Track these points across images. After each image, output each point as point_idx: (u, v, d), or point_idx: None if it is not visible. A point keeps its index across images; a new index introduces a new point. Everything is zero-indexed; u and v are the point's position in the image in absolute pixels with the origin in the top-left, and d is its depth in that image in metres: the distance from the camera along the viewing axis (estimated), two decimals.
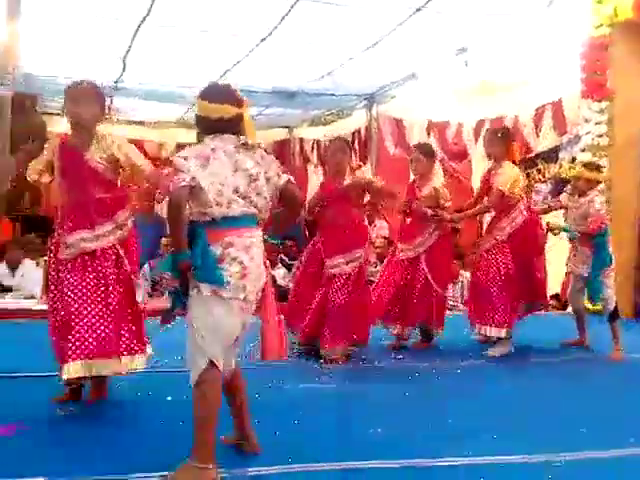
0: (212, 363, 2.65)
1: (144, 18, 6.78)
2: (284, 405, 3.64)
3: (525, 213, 5.15)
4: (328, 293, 4.82)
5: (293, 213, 3.02)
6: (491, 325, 5.05)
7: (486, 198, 5.19)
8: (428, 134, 9.85)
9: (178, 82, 9.05)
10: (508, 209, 5.09)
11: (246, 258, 2.70)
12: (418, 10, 6.71)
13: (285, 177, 2.89)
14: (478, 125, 9.02)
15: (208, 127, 2.82)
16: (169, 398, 3.63)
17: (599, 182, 5.33)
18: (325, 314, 4.81)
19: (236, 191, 2.73)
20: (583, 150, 6.80)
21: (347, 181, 4.88)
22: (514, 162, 5.15)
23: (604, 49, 6.44)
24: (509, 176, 5.04)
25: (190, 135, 12.03)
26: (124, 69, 8.48)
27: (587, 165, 5.40)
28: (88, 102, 3.54)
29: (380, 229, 9.47)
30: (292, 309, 4.98)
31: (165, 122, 11.91)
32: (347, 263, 4.79)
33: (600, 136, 6.55)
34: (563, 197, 5.46)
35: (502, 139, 5.11)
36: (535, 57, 7.62)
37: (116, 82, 9.03)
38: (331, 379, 4.28)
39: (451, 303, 7.89)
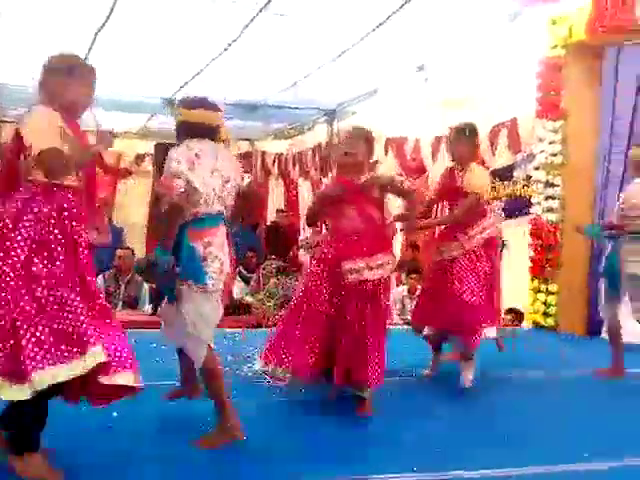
0: (209, 346, 3.17)
1: (102, 26, 6.69)
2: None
3: (497, 225, 4.79)
4: (350, 313, 3.75)
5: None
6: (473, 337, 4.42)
7: (459, 204, 4.56)
8: (386, 150, 9.92)
9: (138, 92, 8.96)
10: (477, 217, 4.58)
11: (222, 255, 3.13)
12: (379, 26, 6.76)
13: (247, 179, 3.34)
14: (436, 141, 9.11)
15: (189, 132, 3.16)
16: None
17: None
18: (355, 341, 3.73)
19: (213, 191, 3.09)
20: (537, 168, 6.91)
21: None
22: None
23: (558, 69, 6.57)
24: (482, 179, 4.67)
25: (149, 145, 11.95)
26: None
27: None
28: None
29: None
30: (282, 340, 3.89)
31: (125, 132, 11.79)
32: (370, 269, 3.75)
33: (554, 155, 6.66)
34: None
35: (470, 138, 4.67)
36: (493, 75, 7.74)
37: None
38: None
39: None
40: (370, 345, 3.69)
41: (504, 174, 8.07)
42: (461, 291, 4.43)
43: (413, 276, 7.65)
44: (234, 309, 7.33)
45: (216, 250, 3.10)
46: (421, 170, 9.53)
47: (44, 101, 2.75)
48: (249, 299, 7.93)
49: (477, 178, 4.56)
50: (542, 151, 6.69)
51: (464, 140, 4.65)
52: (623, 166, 6.09)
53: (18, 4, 6.35)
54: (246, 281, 8.49)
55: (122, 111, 9.92)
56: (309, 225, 4.89)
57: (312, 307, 3.80)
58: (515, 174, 7.77)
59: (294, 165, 12.18)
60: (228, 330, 6.45)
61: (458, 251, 4.54)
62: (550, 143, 6.65)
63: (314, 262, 3.97)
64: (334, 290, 3.79)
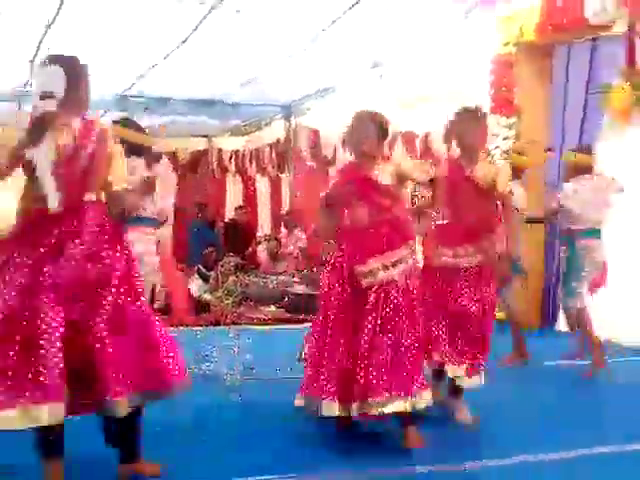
0: None
1: (53, 19, 6.55)
2: None
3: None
4: (370, 322, 3.21)
5: None
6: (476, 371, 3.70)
7: (502, 209, 3.84)
8: (343, 147, 9.94)
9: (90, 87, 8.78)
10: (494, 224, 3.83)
11: None
12: (334, 22, 6.77)
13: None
14: (391, 138, 9.16)
15: None
16: None
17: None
18: (377, 354, 3.17)
19: None
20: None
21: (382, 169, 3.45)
22: None
23: (510, 67, 6.67)
24: (506, 174, 3.91)
25: None
26: (31, 73, 8.16)
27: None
28: None
29: (298, 240, 9.50)
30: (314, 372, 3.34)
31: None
32: (385, 268, 3.27)
33: (507, 152, 6.76)
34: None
35: (483, 121, 4.02)
36: (447, 73, 7.82)
37: (24, 86, 8.68)
38: None
39: None
40: (397, 357, 3.14)
41: None
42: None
43: None
44: (196, 309, 7.28)
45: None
46: None
47: None
48: (207, 297, 7.86)
49: (504, 174, 3.84)
50: (496, 147, 6.79)
51: (476, 124, 3.97)
52: None
53: None
54: (205, 279, 8.42)
55: None
56: (325, 240, 4.21)
57: (335, 327, 3.27)
58: None
59: (251, 162, 12.13)
60: (187, 328, 6.41)
61: (476, 258, 3.72)
62: (504, 139, 6.76)
63: (327, 273, 3.45)
64: (353, 301, 3.26)
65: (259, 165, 11.94)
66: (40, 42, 7.11)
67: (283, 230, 10.78)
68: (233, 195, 12.78)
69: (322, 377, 3.21)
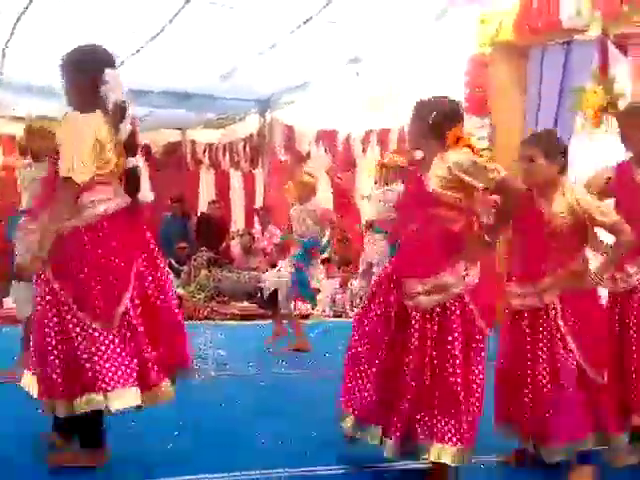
0: None
1: (26, 7, 6.44)
2: None
3: None
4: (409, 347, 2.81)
5: None
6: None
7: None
8: (317, 142, 9.97)
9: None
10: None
11: None
12: (310, 19, 6.77)
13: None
14: (366, 136, 9.21)
15: None
16: None
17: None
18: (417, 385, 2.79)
19: None
20: None
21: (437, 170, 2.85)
22: None
23: (486, 67, 6.72)
24: None
25: None
26: (4, 60, 8.02)
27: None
28: None
29: (272, 236, 9.48)
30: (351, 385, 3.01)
31: (50, 119, 11.37)
32: (428, 293, 2.80)
33: (482, 150, 6.82)
34: None
35: None
36: (423, 71, 7.87)
37: None
38: None
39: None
40: (439, 392, 2.75)
41: None
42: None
43: (343, 269, 7.73)
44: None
45: None
46: (352, 164, 9.62)
47: None
48: (180, 291, 7.81)
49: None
50: None
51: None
52: None
53: None
54: (177, 273, 8.37)
55: (43, 96, 9.58)
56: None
57: (369, 340, 2.95)
58: None
59: (225, 155, 12.06)
60: None
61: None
62: (478, 139, 6.81)
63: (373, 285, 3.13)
64: (388, 316, 2.91)
65: (233, 159, 11.88)
66: (13, 29, 6.99)
67: (257, 225, 10.76)
68: (206, 189, 12.71)
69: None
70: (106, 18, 6.79)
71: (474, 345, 2.79)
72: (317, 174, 7.60)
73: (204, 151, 12.42)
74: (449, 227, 2.83)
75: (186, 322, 6.88)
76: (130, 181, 2.93)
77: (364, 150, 9.34)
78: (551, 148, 3.00)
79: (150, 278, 2.87)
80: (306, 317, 7.32)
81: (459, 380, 2.73)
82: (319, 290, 8.41)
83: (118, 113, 2.83)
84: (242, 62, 8.16)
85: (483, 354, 2.82)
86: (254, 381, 4.45)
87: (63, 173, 2.70)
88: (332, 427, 3.38)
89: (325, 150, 9.92)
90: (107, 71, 2.86)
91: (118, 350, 2.73)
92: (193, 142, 12.53)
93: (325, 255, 6.16)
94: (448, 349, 2.75)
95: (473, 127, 6.79)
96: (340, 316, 7.90)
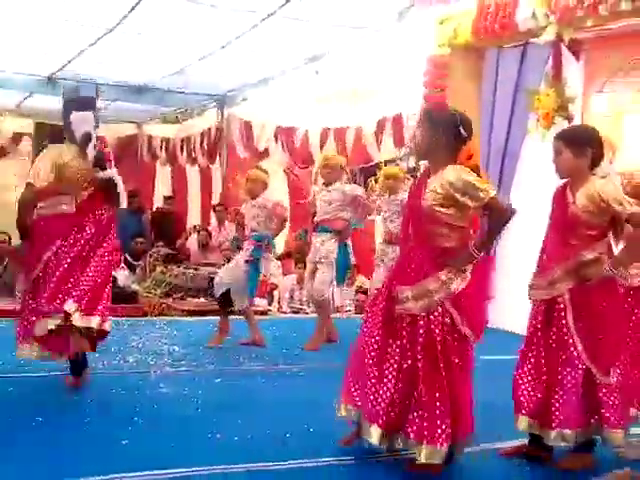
0: None
1: None
2: None
3: None
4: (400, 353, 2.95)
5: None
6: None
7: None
8: (276, 139, 9.95)
9: (14, 68, 8.47)
10: None
11: None
12: (270, 15, 6.75)
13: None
14: (323, 133, 9.23)
15: None
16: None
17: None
18: (403, 386, 2.94)
19: None
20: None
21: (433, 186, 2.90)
22: None
23: (444, 68, 6.80)
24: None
25: (27, 124, 11.33)
26: None
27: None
28: None
29: (229, 232, 9.43)
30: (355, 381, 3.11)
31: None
32: (415, 299, 2.92)
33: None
34: None
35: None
36: (381, 70, 7.93)
37: None
38: None
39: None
40: (424, 393, 2.84)
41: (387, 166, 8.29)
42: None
43: (300, 266, 7.74)
44: (121, 298, 7.12)
45: None
46: (309, 161, 9.62)
47: None
48: (135, 287, 7.72)
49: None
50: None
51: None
52: (500, 163, 6.43)
53: None
54: (132, 269, 8.26)
55: None
56: None
57: (363, 340, 3.08)
58: (400, 166, 7.97)
59: (182, 150, 11.94)
60: (114, 319, 6.26)
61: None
62: None
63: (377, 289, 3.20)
64: (385, 320, 3.01)
65: (190, 154, 11.78)
66: None
67: (213, 221, 10.68)
68: (162, 184, 12.58)
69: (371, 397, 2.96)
70: (64, 10, 6.67)
71: (456, 349, 2.88)
72: (274, 170, 7.59)
73: (161, 146, 12.29)
74: (438, 243, 2.92)
75: (141, 318, 6.90)
76: (107, 189, 3.95)
77: (321, 147, 9.35)
78: (577, 142, 3.08)
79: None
80: (264, 314, 7.31)
81: (436, 381, 2.83)
82: (276, 286, 8.43)
83: (83, 143, 3.88)
84: (201, 56, 8.09)
85: (468, 360, 2.92)
86: (210, 377, 4.42)
87: (28, 179, 3.86)
88: (286, 423, 3.42)
89: (283, 147, 9.90)
90: (73, 114, 3.93)
91: None
92: (149, 136, 12.38)
93: (275, 251, 6.10)
94: (429, 352, 2.85)
95: None
96: (297, 313, 7.92)
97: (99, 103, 9.90)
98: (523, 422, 3.10)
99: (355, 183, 6.54)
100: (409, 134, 7.88)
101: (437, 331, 2.87)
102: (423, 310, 2.89)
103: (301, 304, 7.98)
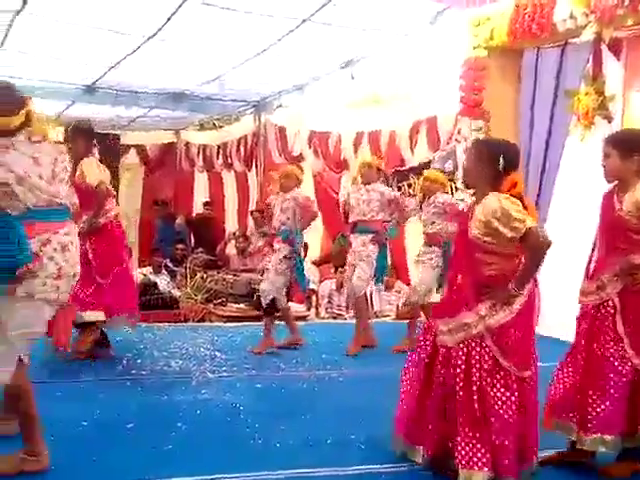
0: (21, 361, 2.76)
1: (21, 8, 6.42)
2: None
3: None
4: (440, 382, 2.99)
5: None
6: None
7: None
8: (309, 143, 9.98)
9: (57, 78, 8.66)
10: None
11: (60, 257, 2.77)
12: (305, 21, 6.78)
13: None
14: (357, 137, 9.23)
15: None
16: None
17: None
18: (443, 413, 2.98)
19: (35, 185, 2.77)
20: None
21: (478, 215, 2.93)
22: None
23: (480, 70, 6.75)
24: None
25: None
26: None
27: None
28: None
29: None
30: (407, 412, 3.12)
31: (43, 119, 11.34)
32: (451, 332, 2.97)
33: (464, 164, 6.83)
34: None
35: None
36: (416, 73, 7.90)
37: None
38: None
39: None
40: (461, 422, 2.86)
41: (420, 170, 8.25)
42: None
43: (342, 270, 7.72)
44: (160, 303, 7.24)
45: (52, 250, 2.77)
46: (344, 166, 9.63)
47: None
48: (176, 293, 7.81)
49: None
50: (466, 149, 6.86)
51: None
52: (542, 166, 6.35)
53: None
54: (172, 274, 8.36)
55: (40, 97, 9.55)
56: None
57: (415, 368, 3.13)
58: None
59: (218, 156, 12.05)
60: (154, 325, 6.37)
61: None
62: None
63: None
64: (432, 349, 3.05)
65: (226, 160, 11.87)
66: (7, 31, 6.98)
67: (250, 226, 10.76)
68: (201, 190, 12.69)
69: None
70: (103, 20, 6.80)
71: (496, 382, 2.87)
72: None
73: (199, 152, 12.42)
74: (484, 272, 2.92)
75: (183, 324, 6.99)
76: None
77: (355, 151, 9.36)
78: (624, 145, 3.05)
79: None
80: (302, 319, 7.33)
81: (472, 411, 2.84)
82: (314, 291, 8.44)
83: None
84: (238, 63, 8.16)
85: (508, 391, 2.87)
86: (251, 382, 4.46)
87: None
88: (327, 429, 3.43)
89: (316, 152, 9.93)
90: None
91: None
92: (187, 143, 12.53)
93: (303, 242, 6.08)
94: (468, 384, 2.86)
95: (469, 130, 6.84)
96: (336, 318, 7.92)
97: (137, 111, 10.14)
98: (554, 423, 3.08)
99: (389, 187, 6.54)
100: (444, 137, 7.84)
101: (473, 362, 2.88)
102: (458, 343, 2.91)
103: (340, 309, 7.98)
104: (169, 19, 6.66)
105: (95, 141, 5.12)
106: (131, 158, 12.23)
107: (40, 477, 2.79)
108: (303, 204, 5.48)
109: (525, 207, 2.91)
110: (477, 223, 2.91)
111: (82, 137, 4.91)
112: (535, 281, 2.98)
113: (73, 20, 6.79)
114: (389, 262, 6.06)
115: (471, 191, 3.43)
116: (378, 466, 3.06)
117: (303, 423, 3.61)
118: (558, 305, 4.26)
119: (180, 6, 6.38)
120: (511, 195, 2.91)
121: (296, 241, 5.47)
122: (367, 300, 5.73)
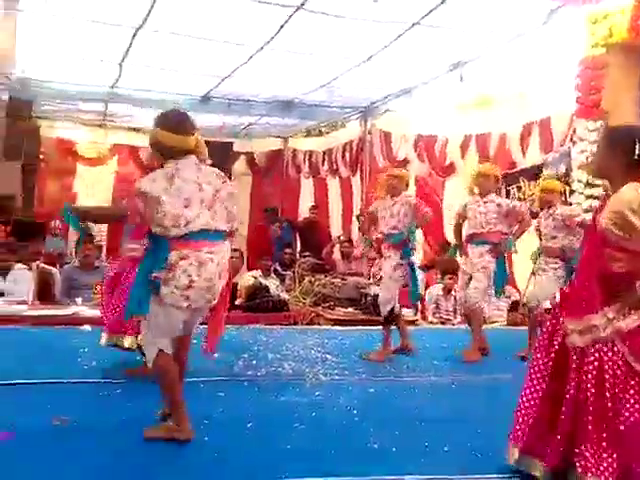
0: (162, 351, 3.19)
1: (142, 23, 6.77)
2: None
3: None
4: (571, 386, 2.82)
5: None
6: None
7: None
8: (415, 147, 9.92)
9: (174, 89, 9.05)
10: None
11: (195, 271, 3.09)
12: (414, 25, 6.75)
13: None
14: (465, 140, 9.08)
15: (169, 153, 3.19)
16: None
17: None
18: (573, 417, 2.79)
19: (198, 207, 3.13)
20: (579, 168, 6.84)
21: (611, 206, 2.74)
22: None
23: (599, 69, 6.50)
24: None
25: None
26: (120, 74, 8.46)
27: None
28: None
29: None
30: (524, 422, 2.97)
31: None
32: (581, 333, 2.81)
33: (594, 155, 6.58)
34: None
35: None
36: (528, 74, 7.70)
37: (112, 87, 9.02)
38: None
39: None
40: (591, 428, 2.72)
41: (531, 173, 8.02)
42: None
43: (450, 276, 7.63)
44: (271, 306, 7.41)
45: (188, 265, 3.09)
46: (452, 170, 9.50)
47: None
48: (285, 296, 7.98)
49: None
50: (583, 151, 6.62)
51: None
52: None
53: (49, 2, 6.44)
54: (281, 278, 8.55)
55: (156, 108, 10.01)
56: None
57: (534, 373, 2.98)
58: (544, 172, 7.68)
59: (324, 162, 12.19)
60: (265, 327, 6.53)
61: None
62: (590, 143, 6.59)
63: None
64: (557, 355, 2.91)
65: (331, 166, 12.00)
66: (129, 45, 7.36)
67: (355, 231, 10.83)
68: (306, 196, 12.89)
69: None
70: (216, 32, 7.06)
71: (629, 387, 2.71)
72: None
73: (305, 159, 12.62)
74: (612, 268, 2.71)
75: (292, 326, 7.09)
76: None
77: (463, 155, 9.22)
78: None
79: None
80: (411, 323, 7.30)
81: (604, 416, 2.69)
82: (421, 296, 8.38)
83: None
84: (346, 69, 8.24)
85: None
86: (363, 386, 4.48)
87: None
88: (441, 436, 3.39)
89: (421, 155, 9.85)
90: None
91: None
92: (294, 150, 12.75)
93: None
94: (597, 386, 2.72)
95: (586, 131, 6.61)
96: (444, 323, 7.84)
97: (248, 119, 10.34)
98: None
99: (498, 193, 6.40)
100: (558, 139, 7.60)
101: (606, 367, 2.73)
102: (588, 344, 2.77)
103: (448, 314, 7.89)
104: (281, 27, 6.83)
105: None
106: (240, 165, 12.60)
107: (172, 467, 2.92)
108: (417, 205, 5.45)
109: None
110: (609, 214, 2.70)
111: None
112: None
113: (191, 34, 7.09)
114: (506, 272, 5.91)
115: (583, 197, 3.22)
116: (495, 476, 3.00)
117: (418, 429, 3.59)
118: None
119: (291, 16, 6.54)
120: None
121: (409, 244, 5.44)
122: (482, 310, 5.63)
